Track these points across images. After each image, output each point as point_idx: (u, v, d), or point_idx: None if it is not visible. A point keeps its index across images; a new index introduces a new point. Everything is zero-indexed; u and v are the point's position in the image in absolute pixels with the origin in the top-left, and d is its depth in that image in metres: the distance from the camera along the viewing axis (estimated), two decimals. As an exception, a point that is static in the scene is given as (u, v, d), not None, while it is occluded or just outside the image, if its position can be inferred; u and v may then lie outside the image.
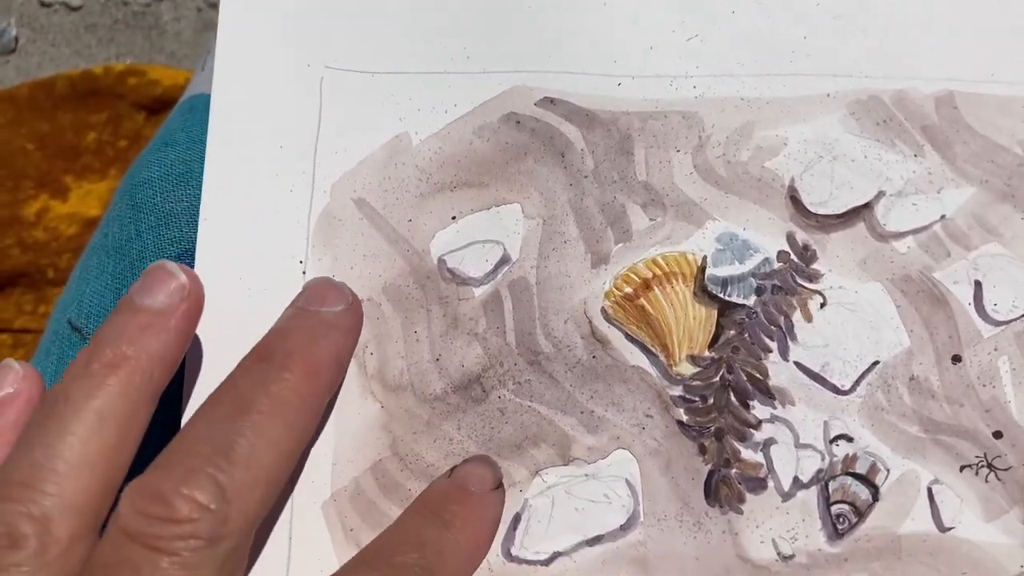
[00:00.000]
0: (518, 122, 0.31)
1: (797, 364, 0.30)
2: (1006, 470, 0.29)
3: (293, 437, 0.25)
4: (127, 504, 0.22)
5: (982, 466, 0.30)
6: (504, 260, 0.30)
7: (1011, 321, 0.30)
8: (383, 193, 0.31)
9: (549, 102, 0.31)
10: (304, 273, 0.30)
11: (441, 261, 0.30)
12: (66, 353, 0.32)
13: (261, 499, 0.24)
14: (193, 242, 0.30)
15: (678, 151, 0.30)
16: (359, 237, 0.30)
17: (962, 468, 0.30)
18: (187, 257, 0.31)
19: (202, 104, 0.33)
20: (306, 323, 0.27)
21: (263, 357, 0.26)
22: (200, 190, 0.30)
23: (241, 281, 0.30)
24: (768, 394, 0.30)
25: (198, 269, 0.30)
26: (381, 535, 0.27)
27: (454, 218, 0.31)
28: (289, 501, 0.30)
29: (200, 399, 0.28)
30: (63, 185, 0.69)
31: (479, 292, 0.30)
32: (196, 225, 0.30)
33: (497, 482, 0.29)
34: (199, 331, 0.29)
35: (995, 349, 0.30)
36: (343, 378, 0.29)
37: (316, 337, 0.27)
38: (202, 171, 0.30)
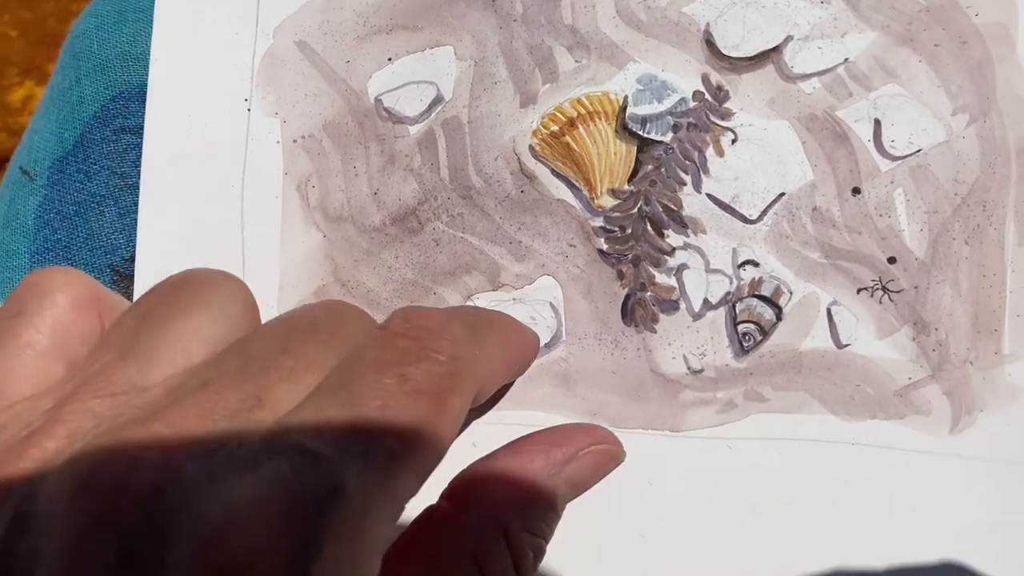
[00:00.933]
0: (450, -32, 0.32)
1: (709, 196, 0.32)
2: (898, 292, 0.32)
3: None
4: (400, 314, 0.20)
5: (877, 289, 0.32)
6: (438, 100, 0.32)
7: (907, 156, 0.32)
8: (322, 36, 0.32)
9: (479, -50, 0.32)
10: (249, 110, 0.32)
11: (378, 100, 0.32)
12: (16, 195, 0.34)
13: (489, 375, 0.22)
14: (128, 85, 0.32)
15: (601, -3, 0.32)
16: (300, 77, 0.32)
17: (859, 291, 0.32)
18: (121, 99, 0.33)
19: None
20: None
21: None
22: (131, 37, 0.32)
23: (190, 117, 0.32)
24: (682, 223, 0.32)
25: (149, 107, 0.32)
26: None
27: (390, 59, 0.32)
28: (238, 322, 0.32)
29: (150, 222, 0.31)
30: (47, 72, 0.70)
31: (414, 130, 0.32)
32: (128, 69, 0.32)
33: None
34: (153, 163, 0.31)
35: (891, 182, 0.32)
36: None
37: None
38: (135, 18, 0.32)
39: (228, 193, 0.32)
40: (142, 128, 0.32)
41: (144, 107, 0.32)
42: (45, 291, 0.19)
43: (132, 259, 0.32)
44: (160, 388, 0.18)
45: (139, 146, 0.32)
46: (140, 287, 0.32)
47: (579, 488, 0.25)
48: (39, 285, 0.20)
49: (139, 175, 0.32)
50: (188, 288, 0.20)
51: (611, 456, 0.26)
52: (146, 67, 0.32)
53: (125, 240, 0.32)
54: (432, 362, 0.19)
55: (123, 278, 0.32)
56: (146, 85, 0.32)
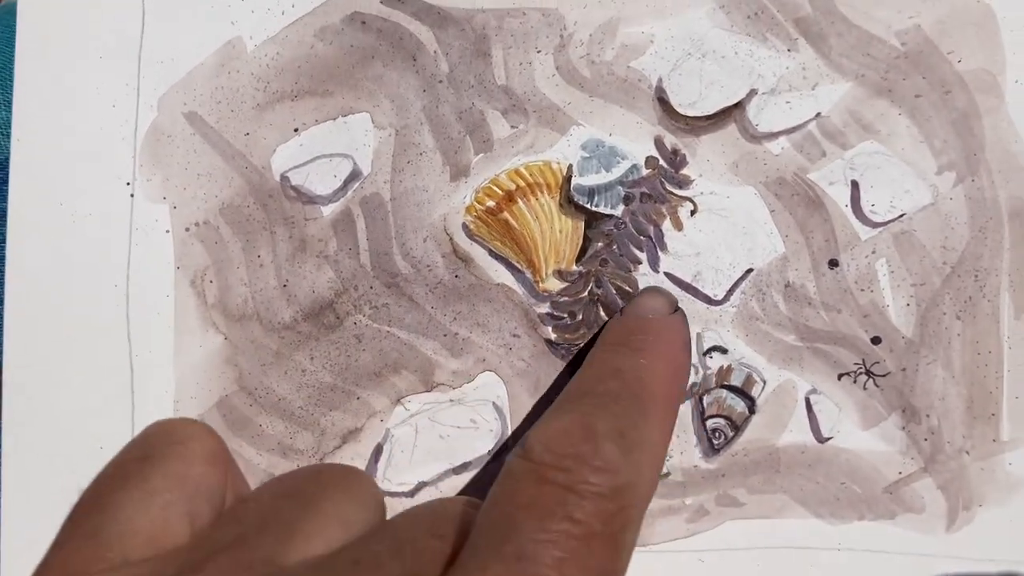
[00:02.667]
0: (363, 22, 0.28)
1: (668, 275, 0.28)
2: (884, 376, 0.29)
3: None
4: (538, 440, 0.19)
5: (860, 373, 0.29)
6: (354, 175, 0.28)
7: (889, 222, 0.29)
8: (216, 105, 0.28)
9: (396, 0, 0.28)
10: (132, 196, 0.28)
11: (284, 178, 0.28)
12: None
13: (653, 481, 0.21)
14: None
15: (539, 51, 0.28)
16: (191, 154, 0.28)
17: (840, 376, 0.29)
18: None
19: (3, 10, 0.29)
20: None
21: None
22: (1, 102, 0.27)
23: (63, 206, 0.27)
24: (639, 308, 0.28)
25: (12, 193, 0.27)
26: (576, 377, 0.24)
27: (296, 130, 0.28)
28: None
29: (18, 330, 0.26)
30: None
31: (328, 211, 0.28)
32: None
33: (674, 306, 0.26)
34: (18, 257, 0.27)
35: (873, 252, 0.29)
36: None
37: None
38: (2, 83, 0.27)
39: (111, 293, 0.27)
40: None
41: (3, 188, 0.28)
42: (177, 438, 0.19)
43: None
44: (303, 567, 0.16)
45: (-1, 237, 0.28)
46: (10, 407, 0.27)
47: None
48: (171, 433, 0.19)
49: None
50: (332, 474, 0.19)
51: None
52: (4, 141, 0.28)
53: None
54: (600, 499, 0.17)
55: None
56: (2, 163, 0.28)
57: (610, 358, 0.23)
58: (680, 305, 0.28)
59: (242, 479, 0.21)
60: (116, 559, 0.17)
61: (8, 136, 0.28)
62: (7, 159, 0.28)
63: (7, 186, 0.27)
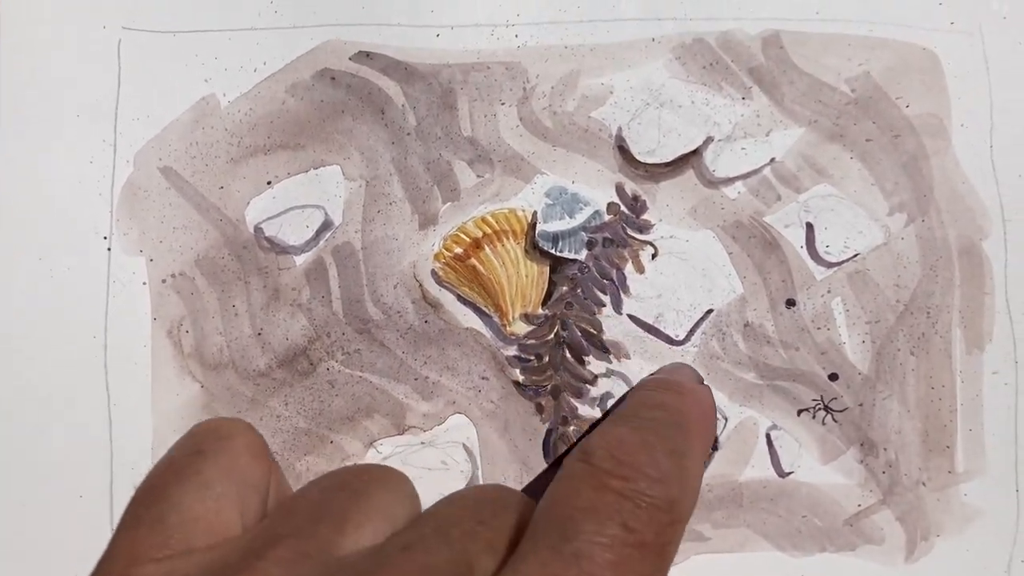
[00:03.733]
0: (333, 78, 0.29)
1: (631, 317, 0.29)
2: (842, 411, 0.29)
3: None
4: (599, 445, 0.20)
5: (819, 409, 0.30)
6: (326, 225, 0.29)
7: (843, 262, 0.30)
8: (191, 160, 0.29)
9: (365, 56, 0.29)
10: (109, 249, 0.28)
11: (258, 229, 0.29)
12: None
13: (694, 506, 0.23)
14: None
15: (503, 103, 0.29)
16: (167, 208, 0.29)
17: (799, 412, 0.29)
18: None
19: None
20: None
21: None
22: None
23: (42, 261, 0.28)
24: (603, 348, 0.29)
25: (-9, 251, 0.28)
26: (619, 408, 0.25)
27: (269, 183, 0.29)
28: (108, 493, 0.28)
29: (1, 380, 0.27)
30: None
31: (301, 260, 0.29)
32: None
33: (700, 378, 0.27)
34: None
35: (828, 291, 0.30)
36: None
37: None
38: None
39: (89, 344, 0.28)
40: None
41: None
42: (224, 434, 0.19)
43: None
44: (356, 555, 0.17)
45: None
46: (-9, 456, 0.28)
47: None
48: (218, 429, 0.19)
49: (-18, 328, 0.28)
50: (375, 471, 0.19)
51: None
52: None
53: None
54: (654, 510, 0.18)
55: (-28, 445, 0.28)
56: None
57: (651, 395, 0.24)
58: (645, 346, 0.29)
59: (281, 475, 0.22)
60: (179, 546, 0.18)
61: (-11, 192, 0.29)
62: None
63: (-13, 241, 0.28)
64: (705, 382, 0.27)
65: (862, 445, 0.29)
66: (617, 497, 0.19)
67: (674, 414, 0.23)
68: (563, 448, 0.29)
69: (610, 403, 0.29)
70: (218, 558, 0.18)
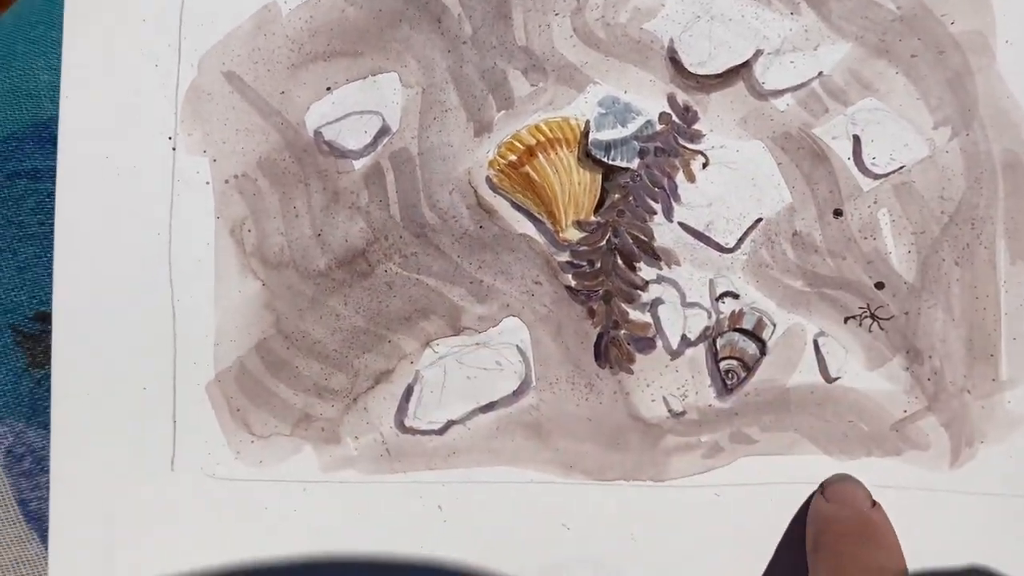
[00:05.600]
0: (392, -12, 0.30)
1: (681, 224, 0.30)
2: (888, 319, 0.30)
3: None
4: None
5: (865, 316, 0.30)
6: (383, 131, 0.30)
7: (889, 174, 0.30)
8: (253, 65, 0.30)
9: (423, -33, 0.30)
10: (174, 149, 0.29)
11: (317, 134, 0.30)
12: None
13: None
14: (19, 124, 0.29)
15: (557, 14, 0.30)
16: (230, 111, 0.29)
17: (846, 319, 0.30)
18: (13, 140, 0.29)
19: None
20: None
21: None
22: (23, 71, 0.29)
23: (108, 160, 0.29)
24: (654, 255, 0.30)
25: (61, 148, 0.29)
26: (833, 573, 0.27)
27: (329, 89, 0.30)
28: (171, 384, 0.29)
29: (67, 275, 0.27)
30: None
31: (359, 164, 0.30)
32: (20, 106, 0.29)
33: (872, 498, 0.29)
34: (67, 209, 0.28)
35: (875, 202, 0.30)
36: None
37: None
38: (25, 51, 0.29)
39: (154, 241, 0.29)
40: (39, 172, 0.29)
41: (40, 149, 0.29)
42: None
43: (37, 318, 0.29)
44: None
45: (37, 192, 0.29)
46: (60, 347, 0.29)
47: None
48: None
49: (38, 224, 0.29)
50: None
51: None
52: (39, 105, 0.29)
53: (26, 297, 0.29)
54: None
55: (27, 339, 0.29)
56: (41, 125, 0.29)
57: (861, 555, 0.26)
58: (695, 253, 0.30)
59: None
60: None
61: (53, 99, 0.29)
62: (54, 118, 0.29)
63: (55, 144, 0.29)
64: (875, 500, 0.28)
65: (907, 353, 0.30)
66: None
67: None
68: (614, 352, 0.29)
69: (660, 308, 0.30)
70: None
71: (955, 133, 0.30)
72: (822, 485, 0.29)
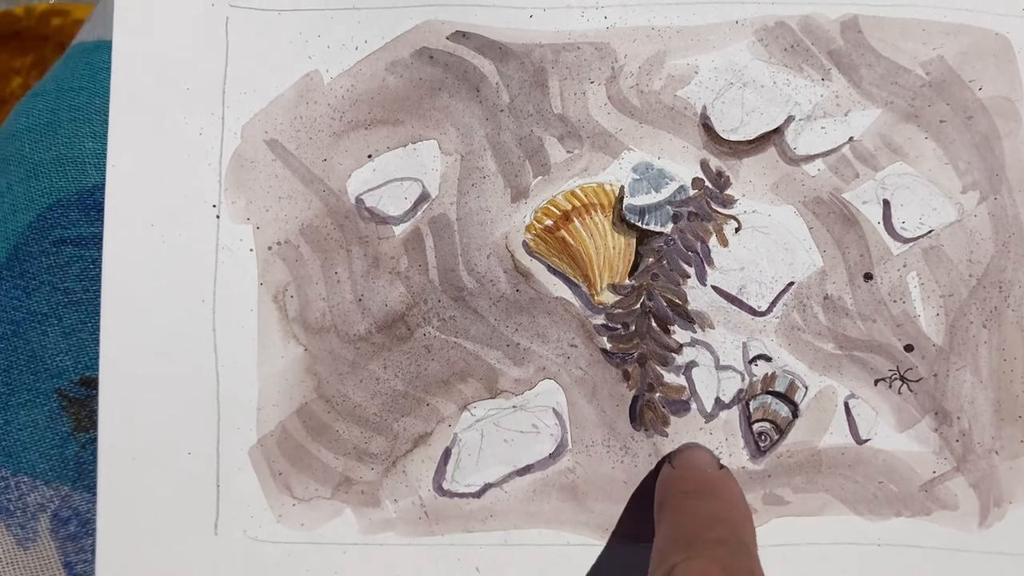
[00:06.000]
0: (431, 57, 0.30)
1: (715, 288, 0.30)
2: (917, 381, 0.30)
3: None
4: None
5: (895, 379, 0.31)
6: (423, 197, 0.30)
7: (918, 238, 0.31)
8: (295, 133, 0.30)
9: (461, 36, 0.30)
10: (218, 217, 0.30)
11: (359, 200, 0.30)
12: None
13: None
14: (65, 192, 0.30)
15: (592, 82, 0.31)
16: (273, 179, 0.30)
17: (876, 382, 0.31)
18: (59, 208, 0.30)
19: (78, 51, 0.31)
20: None
21: None
22: (68, 139, 0.30)
23: (154, 228, 0.29)
24: (688, 318, 0.30)
25: (108, 216, 0.29)
26: (670, 527, 0.27)
27: (370, 156, 0.30)
28: (215, 448, 0.29)
29: (113, 341, 0.28)
30: None
31: (399, 230, 0.30)
32: (65, 174, 0.29)
33: (719, 462, 0.29)
34: (113, 275, 0.29)
35: (904, 265, 0.31)
36: None
37: None
38: (70, 118, 0.30)
39: (199, 307, 0.29)
40: (84, 239, 0.30)
41: (85, 216, 0.30)
42: None
43: (83, 382, 0.30)
44: None
45: (82, 259, 0.30)
46: (106, 412, 0.29)
47: None
48: None
49: (83, 290, 0.30)
50: None
51: None
52: (84, 172, 0.30)
53: (72, 362, 0.30)
54: None
55: (73, 403, 0.29)
56: (86, 192, 0.30)
57: (703, 506, 0.26)
58: (728, 316, 0.30)
59: None
60: None
61: (98, 166, 0.30)
62: (98, 185, 0.30)
63: (100, 211, 0.29)
64: (722, 465, 0.28)
65: (936, 414, 0.30)
66: None
67: (730, 526, 0.26)
68: (649, 414, 0.30)
69: (694, 371, 0.30)
70: None
71: (983, 197, 0.31)
72: (669, 456, 0.29)
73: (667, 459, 0.29)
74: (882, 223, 0.31)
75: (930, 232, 0.31)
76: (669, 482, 0.28)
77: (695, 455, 0.29)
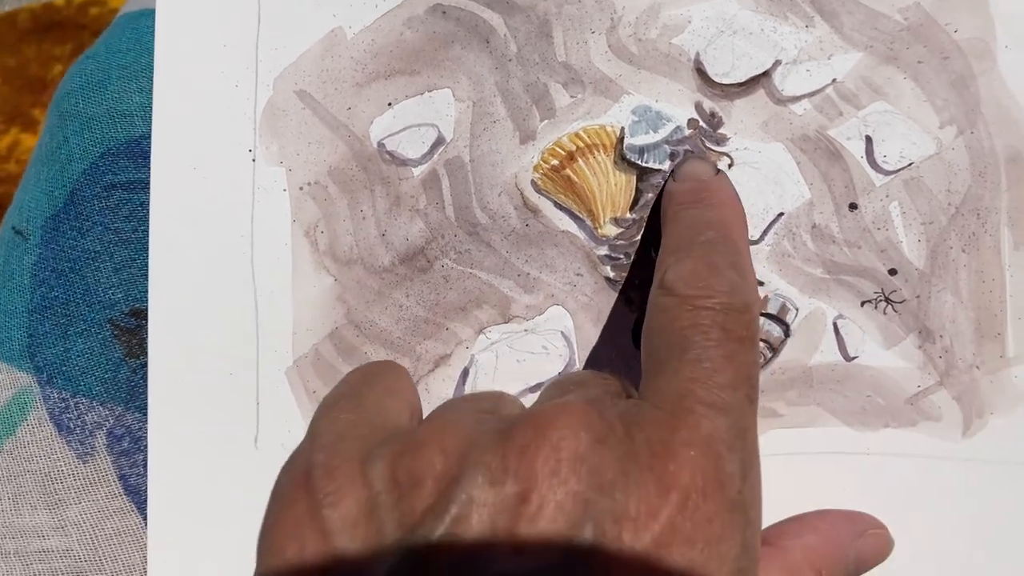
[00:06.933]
0: (444, 12, 0.33)
1: (710, 219, 0.33)
2: (901, 302, 0.33)
3: None
4: (678, 279, 0.25)
5: (880, 300, 0.33)
6: (439, 141, 0.33)
7: (899, 170, 0.33)
8: (322, 84, 0.33)
9: (472, -7, 0.33)
10: (254, 161, 0.33)
11: (380, 145, 0.33)
12: (11, 255, 0.34)
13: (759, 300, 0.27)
14: (115, 142, 0.33)
15: (593, 32, 0.33)
16: (303, 126, 0.33)
17: (863, 303, 0.33)
18: (110, 156, 0.33)
19: (124, 20, 0.35)
20: None
21: None
22: (117, 94, 0.33)
23: (196, 171, 0.32)
24: (686, 247, 0.33)
25: (154, 162, 0.32)
26: (666, 236, 0.29)
27: (390, 104, 0.33)
28: (254, 370, 0.32)
29: (161, 274, 0.31)
30: (32, 118, 0.70)
31: (418, 172, 0.33)
32: (115, 126, 0.32)
33: (716, 167, 0.31)
34: (161, 215, 0.32)
35: (887, 196, 0.33)
36: None
37: None
38: (119, 75, 0.33)
39: (238, 243, 0.32)
40: (132, 183, 0.33)
41: (133, 163, 0.33)
42: (392, 366, 0.26)
43: (133, 313, 0.33)
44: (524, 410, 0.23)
45: (131, 201, 0.33)
46: (155, 338, 0.32)
47: (862, 564, 0.29)
48: (387, 363, 0.26)
49: (132, 230, 0.33)
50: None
51: (888, 542, 0.30)
52: (132, 123, 0.33)
53: (123, 294, 0.33)
54: (737, 313, 0.24)
55: (124, 332, 0.32)
56: (134, 141, 0.33)
57: (696, 215, 0.28)
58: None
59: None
60: (374, 428, 0.22)
61: (145, 118, 0.33)
62: (145, 135, 0.33)
63: (148, 158, 0.32)
64: (718, 167, 0.30)
65: (920, 333, 0.33)
66: (709, 311, 0.23)
67: (719, 228, 0.27)
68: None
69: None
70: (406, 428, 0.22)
71: (960, 131, 0.33)
72: (672, 170, 0.31)
73: (671, 174, 0.31)
74: (865, 157, 0.33)
75: (910, 164, 0.33)
76: (668, 196, 0.30)
77: (692, 166, 0.30)
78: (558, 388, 0.24)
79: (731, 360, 0.23)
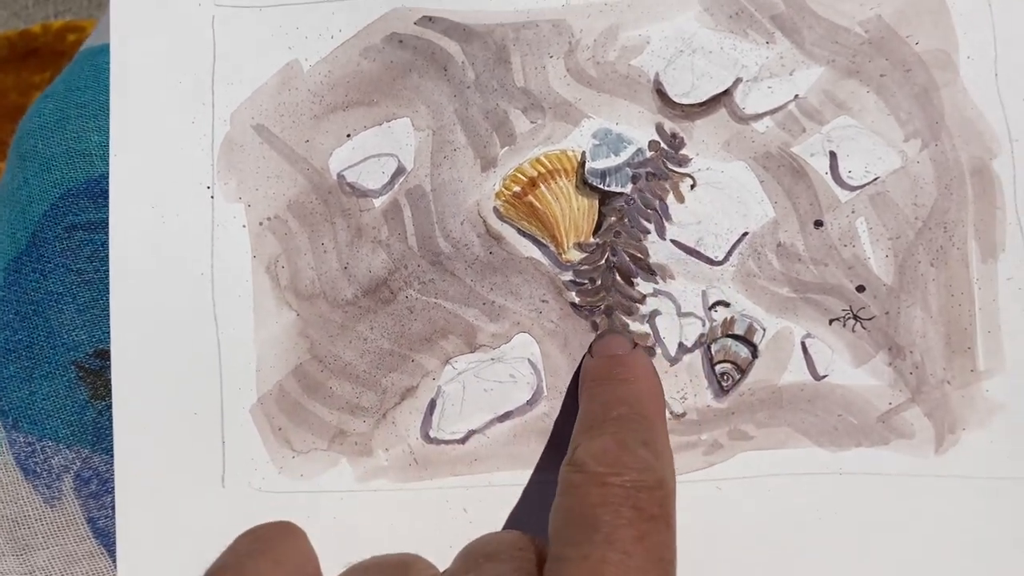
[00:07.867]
0: (400, 41, 0.33)
1: (674, 242, 0.33)
2: (870, 319, 0.32)
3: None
4: (588, 457, 0.25)
5: (848, 318, 0.33)
6: (399, 171, 0.33)
7: (864, 185, 0.33)
8: (279, 117, 0.33)
9: (428, 20, 0.33)
10: (212, 197, 0.32)
11: (340, 176, 0.33)
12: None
13: (674, 478, 0.27)
14: (74, 182, 0.32)
15: (551, 57, 0.33)
16: (261, 160, 0.33)
17: (831, 321, 0.33)
18: (70, 197, 0.33)
19: (83, 56, 0.35)
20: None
21: None
22: (75, 134, 0.33)
23: (154, 209, 0.32)
24: (650, 271, 0.32)
25: (112, 201, 0.32)
26: (580, 414, 0.29)
27: (349, 135, 0.33)
28: (219, 408, 0.32)
29: (123, 315, 0.31)
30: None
31: (379, 202, 0.33)
32: (75, 166, 0.32)
33: (632, 342, 0.31)
34: (120, 255, 0.32)
35: (852, 212, 0.33)
36: None
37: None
38: (76, 115, 0.33)
39: (199, 281, 0.32)
40: (93, 224, 0.32)
41: (93, 203, 0.32)
42: (287, 530, 0.28)
43: (97, 354, 0.32)
44: None
45: (92, 242, 0.33)
46: (118, 379, 0.32)
47: None
48: (280, 526, 0.28)
49: (94, 270, 0.33)
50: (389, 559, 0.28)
51: None
52: (91, 163, 0.33)
53: (87, 336, 0.32)
54: (650, 490, 0.24)
55: (89, 373, 0.32)
56: (93, 181, 0.33)
57: (608, 390, 0.28)
58: (687, 267, 0.32)
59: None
60: None
61: (103, 157, 0.33)
62: (105, 175, 0.32)
63: (107, 198, 0.32)
64: (636, 344, 0.30)
65: (890, 349, 0.32)
66: (619, 489, 0.23)
67: (632, 404, 0.27)
68: (618, 361, 0.32)
69: (657, 319, 0.32)
70: None
71: (925, 144, 0.33)
72: (590, 346, 0.31)
73: (589, 350, 0.31)
74: (829, 173, 0.33)
75: (876, 179, 0.33)
76: (585, 371, 0.30)
77: (606, 342, 0.31)
78: (470, 559, 0.24)
79: (642, 541, 0.23)
